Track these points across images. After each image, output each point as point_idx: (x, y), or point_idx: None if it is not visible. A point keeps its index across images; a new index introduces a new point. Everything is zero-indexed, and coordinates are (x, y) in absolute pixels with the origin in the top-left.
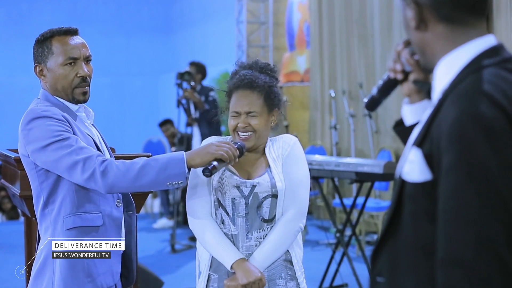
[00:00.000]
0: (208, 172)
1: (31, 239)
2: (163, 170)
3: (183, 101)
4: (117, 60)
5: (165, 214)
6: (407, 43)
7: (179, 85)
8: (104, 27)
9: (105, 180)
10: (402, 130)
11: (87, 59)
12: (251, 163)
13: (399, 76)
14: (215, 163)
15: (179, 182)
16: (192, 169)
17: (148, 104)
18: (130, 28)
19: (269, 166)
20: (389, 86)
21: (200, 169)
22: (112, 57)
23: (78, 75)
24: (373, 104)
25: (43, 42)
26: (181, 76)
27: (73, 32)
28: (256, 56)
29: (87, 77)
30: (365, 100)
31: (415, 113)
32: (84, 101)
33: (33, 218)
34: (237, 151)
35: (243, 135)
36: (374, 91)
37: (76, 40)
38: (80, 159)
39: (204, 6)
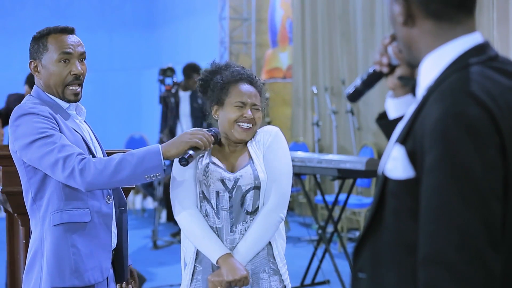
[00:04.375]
0: (184, 161)
1: (13, 236)
2: (139, 164)
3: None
4: (100, 55)
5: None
6: (394, 37)
7: (162, 81)
8: (87, 22)
9: (84, 178)
10: (385, 123)
11: (82, 57)
12: (233, 156)
13: (385, 70)
14: (191, 152)
15: (157, 175)
16: (175, 161)
17: (130, 100)
18: (113, 24)
19: (251, 158)
20: (373, 79)
21: None
22: (95, 53)
23: (71, 72)
24: (356, 95)
25: (39, 39)
26: (164, 72)
27: (69, 31)
28: (238, 53)
29: (80, 75)
30: (348, 90)
31: (399, 107)
32: (76, 102)
33: (15, 215)
34: (212, 137)
35: (247, 126)
36: (357, 82)
37: (72, 38)
38: (60, 157)
39: (187, 2)
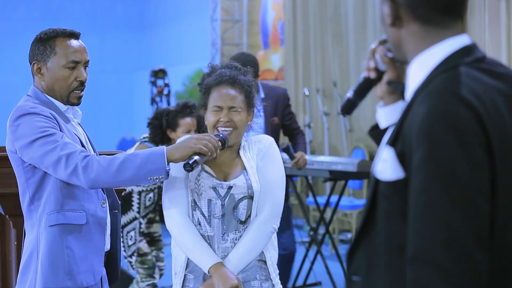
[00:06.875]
0: (189, 167)
1: (5, 238)
2: (143, 165)
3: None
4: (91, 57)
5: None
6: (382, 42)
7: (153, 83)
8: (79, 24)
9: (87, 176)
10: (377, 133)
11: (86, 64)
12: (226, 164)
13: (373, 75)
14: (196, 157)
15: (160, 177)
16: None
17: (122, 101)
18: (105, 26)
19: (244, 167)
20: (364, 87)
21: (176, 168)
22: None
23: (77, 79)
24: (349, 107)
25: (46, 41)
26: (155, 74)
27: (76, 35)
28: (230, 54)
29: (85, 82)
30: (341, 103)
31: (389, 116)
32: (78, 105)
33: (7, 217)
34: (219, 142)
35: (225, 131)
36: (349, 93)
37: (79, 44)
38: (63, 155)
39: (178, 4)
